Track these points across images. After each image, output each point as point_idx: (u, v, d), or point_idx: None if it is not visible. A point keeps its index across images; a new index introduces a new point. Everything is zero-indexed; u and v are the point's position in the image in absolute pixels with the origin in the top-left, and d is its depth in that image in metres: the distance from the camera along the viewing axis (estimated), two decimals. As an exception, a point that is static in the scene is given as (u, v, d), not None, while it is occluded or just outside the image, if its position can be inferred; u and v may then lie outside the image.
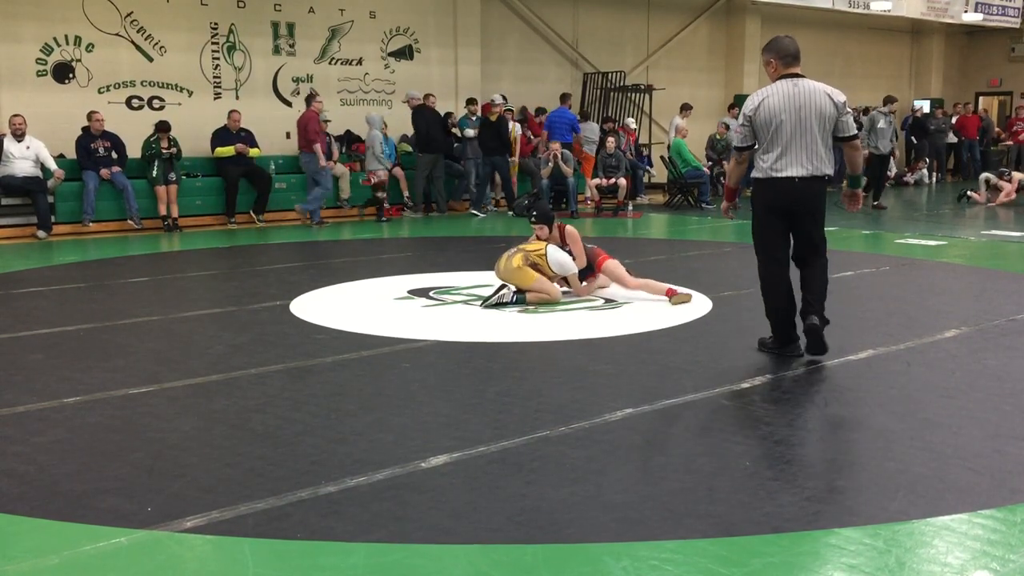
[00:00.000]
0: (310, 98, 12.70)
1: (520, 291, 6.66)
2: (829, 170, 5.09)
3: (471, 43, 15.87)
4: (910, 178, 20.15)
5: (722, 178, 15.92)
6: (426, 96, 13.87)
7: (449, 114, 14.69)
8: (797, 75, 5.08)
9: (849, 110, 5.12)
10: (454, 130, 14.68)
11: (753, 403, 4.34)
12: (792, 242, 5.20)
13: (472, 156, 14.12)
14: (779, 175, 5.02)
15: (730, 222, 12.62)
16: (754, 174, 5.25)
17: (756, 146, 5.17)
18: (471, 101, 14.55)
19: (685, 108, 16.50)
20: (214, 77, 13.56)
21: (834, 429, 3.97)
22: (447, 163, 14.11)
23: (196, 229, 12.20)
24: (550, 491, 3.27)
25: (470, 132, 14.06)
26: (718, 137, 16.47)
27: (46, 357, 5.32)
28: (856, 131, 5.25)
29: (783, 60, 5.08)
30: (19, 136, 11.12)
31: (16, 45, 12.01)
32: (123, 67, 12.80)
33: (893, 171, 19.90)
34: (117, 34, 12.71)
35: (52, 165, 11.33)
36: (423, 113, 13.59)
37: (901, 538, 2.91)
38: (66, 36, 12.35)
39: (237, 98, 13.61)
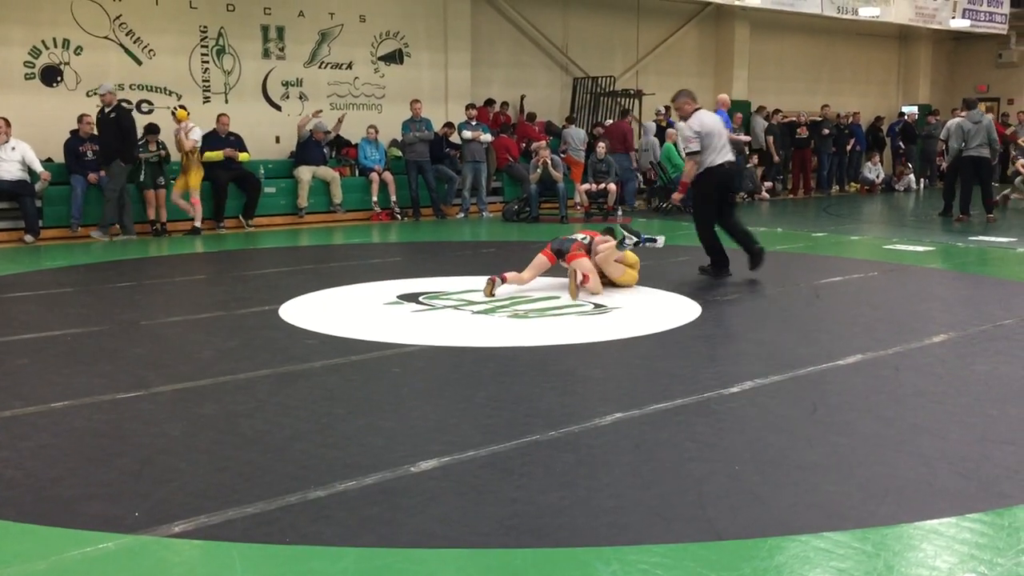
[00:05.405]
0: (627, 110, 16.25)
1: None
2: (733, 158, 8.14)
3: (461, 47, 15.87)
4: (898, 184, 20.24)
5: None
6: (413, 102, 13.79)
7: (449, 124, 14.66)
8: (700, 108, 8.11)
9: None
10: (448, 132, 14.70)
11: (742, 407, 4.35)
12: (719, 207, 8.04)
13: (469, 159, 14.13)
14: (715, 164, 7.92)
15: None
16: (699, 168, 7.97)
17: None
18: (471, 106, 14.55)
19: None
20: (203, 81, 13.52)
21: (822, 433, 3.98)
22: (436, 168, 14.10)
23: (185, 234, 12.17)
24: (539, 495, 3.27)
25: (467, 134, 14.07)
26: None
27: (33, 361, 5.29)
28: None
29: (695, 100, 8.08)
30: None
31: (4, 48, 11.96)
32: (112, 70, 12.74)
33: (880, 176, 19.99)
34: (106, 37, 12.66)
35: (38, 167, 11.25)
36: (126, 116, 11.56)
37: (889, 542, 2.92)
38: (54, 39, 12.30)
39: (226, 102, 13.57)
